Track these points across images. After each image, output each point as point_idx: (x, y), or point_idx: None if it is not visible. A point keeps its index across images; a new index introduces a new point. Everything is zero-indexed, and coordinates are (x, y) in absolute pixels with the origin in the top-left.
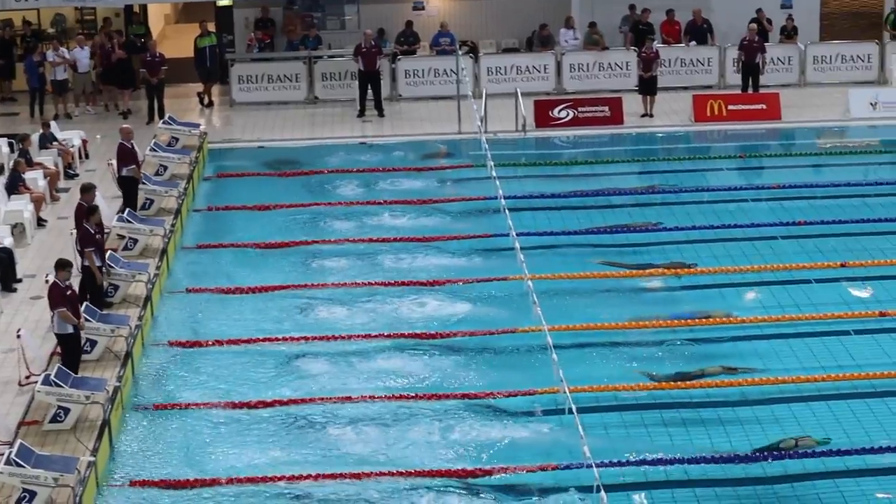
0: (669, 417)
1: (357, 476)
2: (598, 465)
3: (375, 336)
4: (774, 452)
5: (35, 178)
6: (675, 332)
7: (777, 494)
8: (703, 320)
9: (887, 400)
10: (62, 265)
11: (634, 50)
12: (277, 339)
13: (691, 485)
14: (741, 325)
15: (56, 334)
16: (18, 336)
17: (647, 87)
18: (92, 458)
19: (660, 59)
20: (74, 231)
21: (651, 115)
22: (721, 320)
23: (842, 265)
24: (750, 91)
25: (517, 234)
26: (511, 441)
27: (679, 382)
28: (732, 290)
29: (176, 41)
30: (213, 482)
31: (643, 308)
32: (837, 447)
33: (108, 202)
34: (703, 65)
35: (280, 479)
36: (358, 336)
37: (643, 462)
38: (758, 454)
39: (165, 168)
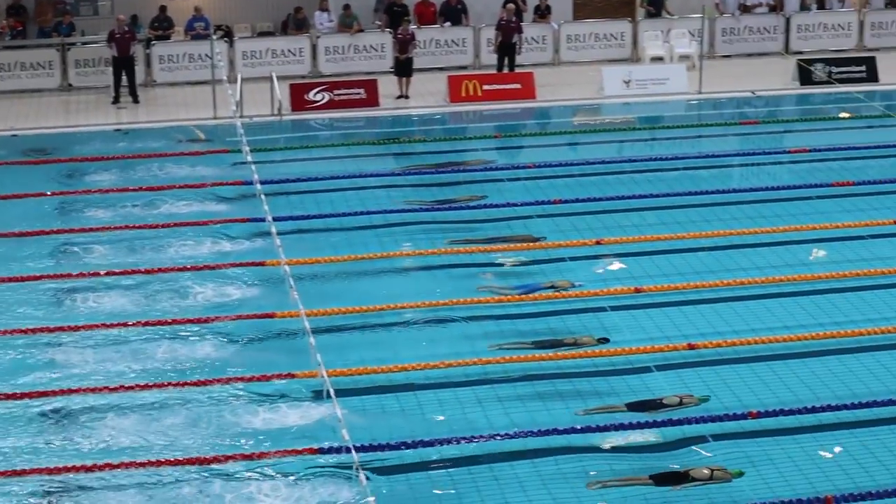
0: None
1: (120, 466)
2: (357, 449)
3: (134, 324)
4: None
5: None
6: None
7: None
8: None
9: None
10: None
11: (389, 32)
12: (35, 330)
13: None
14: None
15: None
16: None
17: (403, 68)
18: None
19: (415, 40)
20: None
21: (407, 97)
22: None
23: (597, 242)
24: (506, 71)
25: (273, 219)
26: (276, 426)
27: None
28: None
29: None
30: None
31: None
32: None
33: None
34: (458, 45)
35: (39, 471)
36: (117, 324)
37: (404, 445)
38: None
39: None
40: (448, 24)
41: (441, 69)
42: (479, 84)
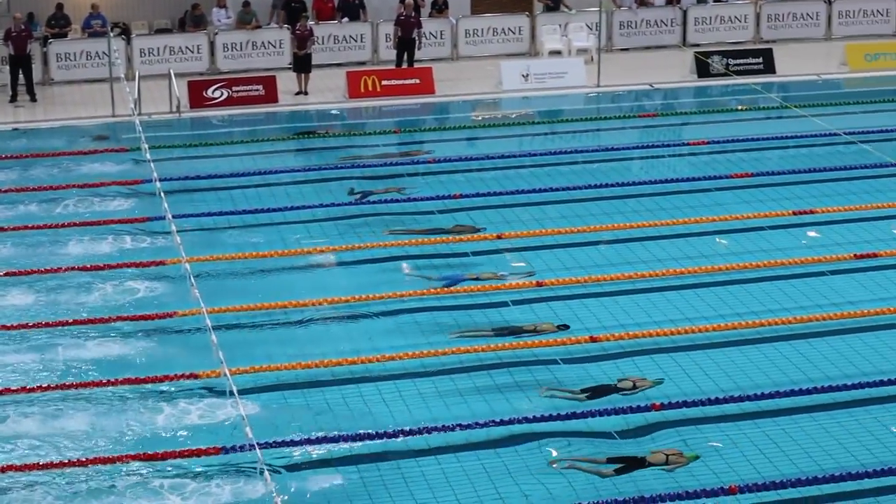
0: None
1: (24, 468)
2: (262, 447)
3: (35, 325)
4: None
5: None
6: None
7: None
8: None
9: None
10: None
11: (288, 28)
12: None
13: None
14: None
15: None
16: None
17: (302, 64)
18: None
19: (314, 36)
20: None
21: (306, 93)
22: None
23: (498, 237)
24: (405, 66)
25: (173, 217)
26: (179, 425)
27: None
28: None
29: None
30: None
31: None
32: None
33: None
34: (356, 41)
35: None
36: (17, 325)
37: (309, 441)
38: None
39: None
40: (346, 19)
41: (340, 65)
42: (377, 79)
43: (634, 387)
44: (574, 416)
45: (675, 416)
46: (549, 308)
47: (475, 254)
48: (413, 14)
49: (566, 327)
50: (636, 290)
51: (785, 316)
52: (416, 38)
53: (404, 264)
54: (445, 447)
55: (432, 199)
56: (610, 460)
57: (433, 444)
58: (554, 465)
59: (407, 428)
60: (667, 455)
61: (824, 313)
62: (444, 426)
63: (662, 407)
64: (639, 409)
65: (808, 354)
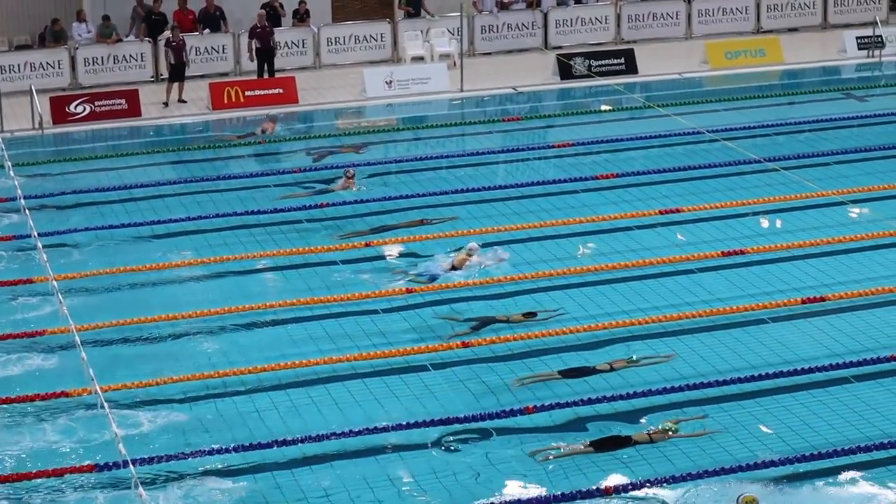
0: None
1: None
2: (135, 463)
3: None
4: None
5: None
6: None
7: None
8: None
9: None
10: None
11: (149, 41)
12: None
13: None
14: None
15: None
16: None
17: (177, 74)
18: None
19: (187, 46)
20: None
21: (184, 101)
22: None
23: (366, 245)
24: (266, 76)
25: (39, 234)
26: (52, 444)
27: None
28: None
29: None
30: None
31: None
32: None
33: None
34: (218, 52)
35: None
36: None
37: (184, 456)
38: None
39: None
40: (207, 31)
41: (202, 76)
42: (241, 90)
43: (611, 368)
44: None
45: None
46: (417, 315)
47: (344, 262)
48: (267, 24)
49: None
50: (504, 294)
51: (655, 315)
52: (274, 46)
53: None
54: (322, 455)
55: (299, 209)
56: (592, 443)
57: (309, 454)
58: (537, 456)
59: (281, 438)
60: (650, 434)
61: (693, 311)
62: (318, 435)
63: (534, 410)
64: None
65: (679, 351)
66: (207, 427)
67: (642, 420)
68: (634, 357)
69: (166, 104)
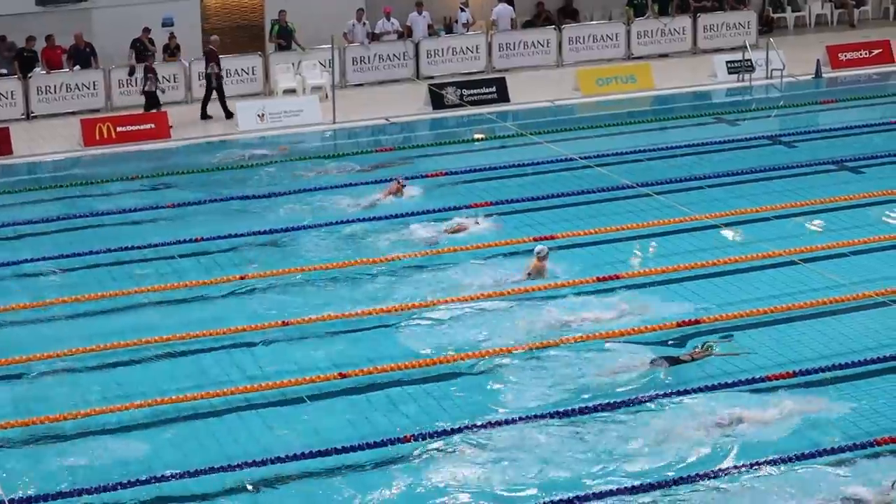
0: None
1: None
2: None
3: None
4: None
5: None
6: None
7: None
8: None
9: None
10: None
11: (19, 78)
12: None
13: None
14: None
15: None
16: None
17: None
18: None
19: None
20: None
21: None
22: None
23: (241, 278)
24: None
25: None
26: None
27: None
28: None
29: None
30: None
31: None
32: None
33: None
34: (88, 88)
35: None
36: None
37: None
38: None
39: None
40: (77, 67)
41: (73, 113)
42: (112, 126)
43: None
44: None
45: None
46: (290, 346)
47: (223, 297)
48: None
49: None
50: (371, 327)
51: (533, 341)
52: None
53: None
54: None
55: (172, 244)
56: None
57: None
58: None
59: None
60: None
61: (567, 336)
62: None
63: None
64: None
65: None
66: (73, 468)
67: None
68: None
69: None
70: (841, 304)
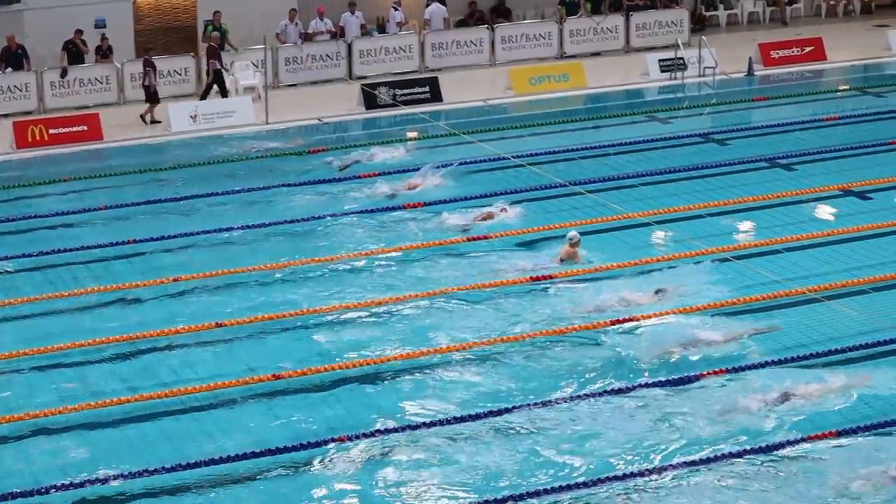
0: None
1: None
2: None
3: None
4: None
5: None
6: None
7: None
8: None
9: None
10: None
11: None
12: None
13: None
14: None
15: None
16: None
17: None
18: None
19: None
20: None
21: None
22: None
23: (174, 280)
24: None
25: None
26: None
27: None
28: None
29: None
30: None
31: None
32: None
33: None
34: (21, 91)
35: None
36: None
37: None
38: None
39: None
40: (9, 69)
41: (5, 116)
42: (45, 128)
43: None
44: None
45: None
46: (228, 348)
47: (153, 299)
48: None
49: None
50: (296, 327)
51: (475, 339)
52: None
53: None
54: None
55: (106, 246)
56: None
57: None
58: None
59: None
60: None
61: (503, 336)
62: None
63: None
64: None
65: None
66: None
67: None
68: None
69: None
70: (773, 301)
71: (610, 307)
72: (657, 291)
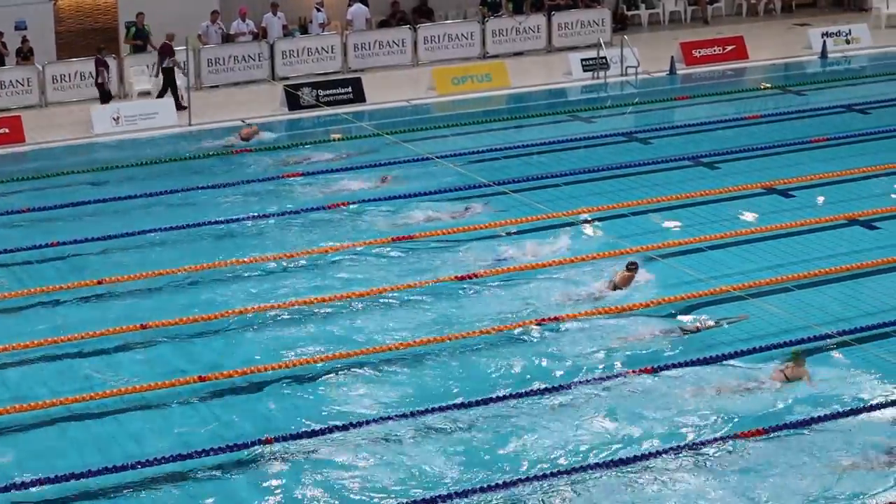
0: None
1: None
2: None
3: None
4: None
5: None
6: None
7: None
8: None
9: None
10: None
11: None
12: None
13: None
14: None
15: None
16: None
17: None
18: None
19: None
20: None
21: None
22: None
23: (98, 283)
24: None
25: None
26: None
27: None
28: None
29: None
30: None
31: None
32: None
33: None
34: None
35: None
36: None
37: None
38: None
39: None
40: None
41: None
42: None
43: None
44: None
45: None
46: (153, 350)
47: (68, 301)
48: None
49: None
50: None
51: (401, 340)
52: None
53: None
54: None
55: (30, 249)
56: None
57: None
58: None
59: None
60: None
61: (427, 337)
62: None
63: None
64: None
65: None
66: None
67: None
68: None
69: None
70: (696, 300)
71: (535, 307)
72: (584, 291)
